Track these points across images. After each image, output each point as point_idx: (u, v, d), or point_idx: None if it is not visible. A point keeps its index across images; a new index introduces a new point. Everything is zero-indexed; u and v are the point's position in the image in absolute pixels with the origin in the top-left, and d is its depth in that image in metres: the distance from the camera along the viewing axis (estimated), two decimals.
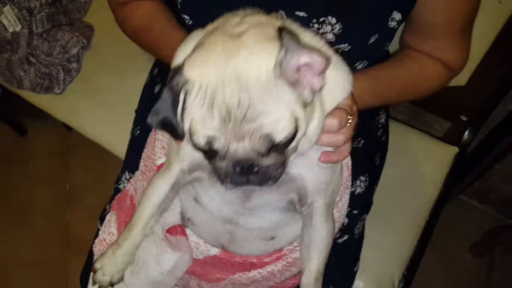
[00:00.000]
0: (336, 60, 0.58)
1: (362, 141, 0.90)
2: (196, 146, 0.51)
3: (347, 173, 0.76)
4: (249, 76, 0.47)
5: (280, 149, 0.50)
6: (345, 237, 0.85)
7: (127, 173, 0.91)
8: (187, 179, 0.68)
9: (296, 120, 0.49)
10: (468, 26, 0.79)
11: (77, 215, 1.79)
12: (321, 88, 0.50)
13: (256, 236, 0.70)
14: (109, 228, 0.81)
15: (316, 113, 0.53)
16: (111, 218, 0.82)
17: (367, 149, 0.91)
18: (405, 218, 1.04)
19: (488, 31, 0.92)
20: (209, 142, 0.49)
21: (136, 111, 1.03)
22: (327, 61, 0.47)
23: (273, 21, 0.54)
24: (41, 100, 1.26)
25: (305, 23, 0.70)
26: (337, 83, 0.58)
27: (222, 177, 0.52)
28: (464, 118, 1.15)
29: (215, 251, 0.71)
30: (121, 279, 0.75)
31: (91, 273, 0.77)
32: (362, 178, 0.88)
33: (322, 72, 0.48)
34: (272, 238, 0.70)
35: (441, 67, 0.81)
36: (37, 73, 1.22)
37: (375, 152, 0.94)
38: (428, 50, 0.80)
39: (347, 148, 0.64)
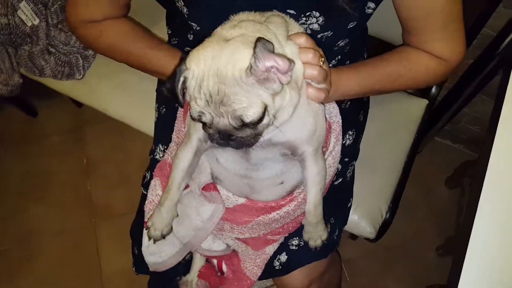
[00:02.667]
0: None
1: (349, 102, 1.09)
2: (192, 118, 0.70)
3: (338, 128, 0.95)
4: (227, 73, 0.64)
5: (251, 126, 0.67)
6: (340, 180, 1.06)
7: (160, 146, 1.08)
8: (205, 146, 0.85)
9: (263, 106, 0.66)
10: (453, 18, 0.85)
11: (97, 185, 1.96)
12: (288, 82, 0.67)
13: (269, 184, 0.88)
14: (156, 191, 0.99)
15: (288, 93, 0.69)
16: (155, 183, 0.99)
17: (352, 108, 1.10)
18: (387, 161, 1.25)
19: None
20: (200, 116, 0.68)
21: (157, 90, 1.20)
22: (290, 64, 0.64)
23: (259, 29, 0.70)
24: (63, 86, 1.39)
25: (295, 18, 0.85)
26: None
27: (212, 139, 0.72)
28: None
29: (241, 200, 0.90)
30: (169, 231, 0.92)
31: (145, 230, 0.95)
32: (350, 132, 1.09)
33: (288, 71, 0.65)
34: (282, 183, 0.88)
35: (428, 59, 0.90)
36: (58, 61, 1.35)
37: (359, 110, 1.13)
38: (416, 43, 0.90)
39: (327, 86, 0.78)
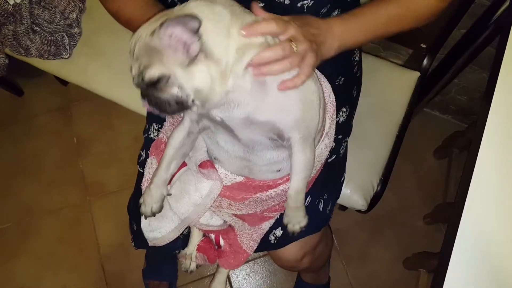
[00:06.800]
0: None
1: (342, 78, 1.09)
2: None
3: (332, 108, 0.95)
4: (140, 35, 0.69)
5: (155, 86, 0.68)
6: (333, 157, 1.07)
7: (154, 125, 1.08)
8: (197, 128, 0.87)
9: (162, 72, 0.67)
10: None
11: (89, 163, 1.96)
12: (196, 53, 0.66)
13: (266, 170, 0.89)
14: (152, 169, 1.00)
15: (205, 71, 0.68)
16: (152, 162, 1.01)
17: (346, 85, 1.10)
18: (379, 135, 1.27)
19: None
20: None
21: None
22: (193, 36, 0.65)
23: (215, 11, 0.69)
24: (51, 66, 1.36)
25: None
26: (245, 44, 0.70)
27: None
28: (423, 46, 1.35)
29: (239, 178, 0.91)
30: (159, 208, 0.94)
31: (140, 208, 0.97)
32: (344, 109, 1.09)
33: (190, 43, 0.66)
34: (278, 170, 0.90)
35: None
36: (43, 40, 1.32)
37: (352, 86, 1.14)
38: None
39: (304, 71, 0.73)
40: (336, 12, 0.97)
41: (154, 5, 0.96)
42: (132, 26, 0.98)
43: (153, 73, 0.67)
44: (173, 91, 0.69)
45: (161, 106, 0.71)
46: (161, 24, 0.65)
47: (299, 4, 0.87)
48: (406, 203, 1.88)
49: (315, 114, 0.81)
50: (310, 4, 0.87)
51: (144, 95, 0.72)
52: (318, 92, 0.82)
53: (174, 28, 0.65)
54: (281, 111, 0.76)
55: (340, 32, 0.82)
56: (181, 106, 0.71)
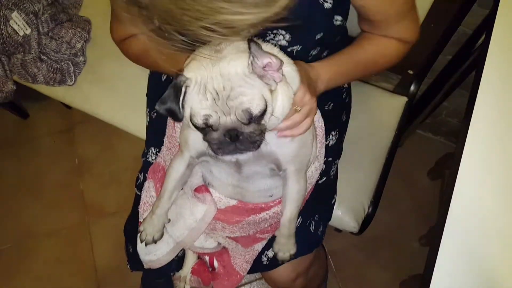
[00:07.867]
0: (287, 60, 0.79)
1: (332, 104, 1.15)
2: (196, 126, 0.72)
3: (322, 133, 1.01)
4: (230, 72, 0.69)
5: (256, 120, 0.71)
6: (324, 179, 1.12)
7: (153, 149, 1.13)
8: (197, 161, 0.92)
9: (265, 100, 0.71)
10: (411, 7, 0.93)
11: (89, 184, 2.01)
12: (280, 80, 0.72)
13: (259, 195, 0.95)
14: (150, 192, 1.05)
15: (280, 97, 0.74)
16: (149, 185, 1.05)
17: (335, 110, 1.16)
18: (369, 158, 1.31)
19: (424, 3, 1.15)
20: (206, 119, 0.70)
21: (147, 95, 1.25)
22: (281, 61, 0.71)
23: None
24: (56, 92, 1.43)
25: (263, 33, 0.90)
26: (291, 77, 0.79)
27: (216, 147, 0.73)
28: (411, 72, 1.41)
29: (233, 202, 0.96)
30: (160, 236, 0.98)
31: (138, 234, 1.00)
32: (333, 133, 1.14)
33: (279, 69, 0.71)
34: (271, 196, 0.95)
35: (396, 43, 0.97)
36: (50, 68, 1.39)
37: (341, 111, 1.19)
38: (382, 34, 0.97)
39: (303, 125, 0.83)
40: (325, 53, 1.04)
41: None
42: (140, 63, 1.07)
43: (261, 103, 0.70)
44: (267, 118, 0.72)
45: (253, 139, 0.72)
46: (253, 56, 0.68)
47: (289, 50, 0.94)
48: (402, 224, 1.90)
49: (308, 150, 0.91)
50: (299, 49, 0.94)
51: (232, 138, 0.71)
52: (311, 129, 0.90)
53: (269, 56, 0.69)
54: (282, 146, 0.84)
55: (327, 78, 0.92)
56: (264, 134, 0.74)
